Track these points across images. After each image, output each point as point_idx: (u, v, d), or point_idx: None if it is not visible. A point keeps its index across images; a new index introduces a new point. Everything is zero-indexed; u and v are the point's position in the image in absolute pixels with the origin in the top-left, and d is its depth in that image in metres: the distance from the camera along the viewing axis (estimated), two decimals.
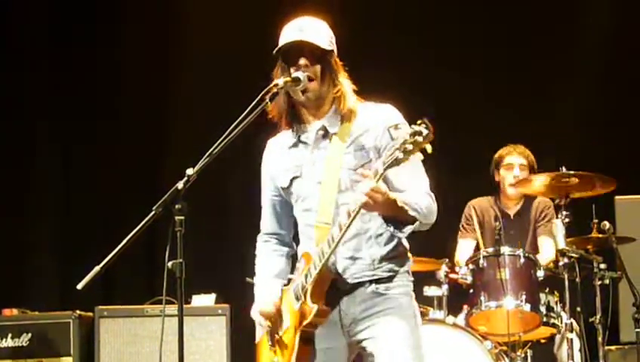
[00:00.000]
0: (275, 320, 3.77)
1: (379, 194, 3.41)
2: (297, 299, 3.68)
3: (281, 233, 3.99)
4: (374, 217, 3.63)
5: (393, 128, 3.64)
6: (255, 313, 3.85)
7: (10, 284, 7.48)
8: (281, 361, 3.73)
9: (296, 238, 3.98)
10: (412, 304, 3.77)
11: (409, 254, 3.81)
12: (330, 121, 3.76)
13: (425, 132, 3.29)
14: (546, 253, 6.33)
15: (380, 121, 3.72)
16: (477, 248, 6.45)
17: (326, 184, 3.71)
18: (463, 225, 6.70)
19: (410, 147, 3.30)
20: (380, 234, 3.72)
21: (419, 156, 3.35)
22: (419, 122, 3.31)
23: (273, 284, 3.88)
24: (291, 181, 3.81)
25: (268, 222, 4.00)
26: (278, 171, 3.87)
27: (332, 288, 3.68)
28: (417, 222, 3.58)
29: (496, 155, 6.67)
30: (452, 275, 6.14)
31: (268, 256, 3.98)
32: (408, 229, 3.59)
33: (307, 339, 3.67)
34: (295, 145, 3.83)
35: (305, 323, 3.64)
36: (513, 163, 6.60)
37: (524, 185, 6.27)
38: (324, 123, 3.76)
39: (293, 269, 3.92)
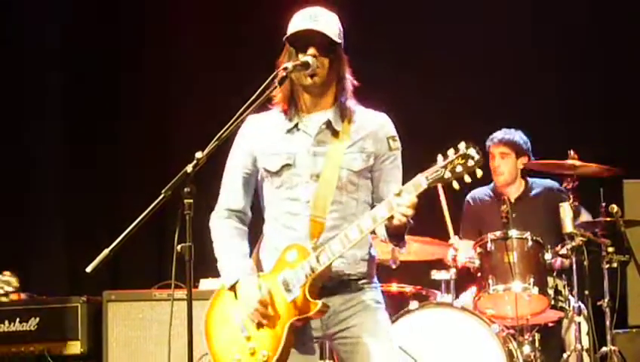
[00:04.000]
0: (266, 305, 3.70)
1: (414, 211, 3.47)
2: (288, 290, 3.66)
3: (244, 211, 3.91)
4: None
5: (392, 140, 3.80)
6: (247, 294, 3.71)
7: (18, 268, 7.48)
8: (260, 348, 3.69)
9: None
10: (382, 299, 3.85)
11: (376, 258, 3.89)
12: (335, 118, 3.76)
13: (476, 157, 3.36)
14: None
15: (381, 129, 3.80)
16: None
17: (325, 180, 3.72)
18: (463, 224, 6.69)
19: (459, 169, 3.37)
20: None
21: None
22: (468, 145, 3.37)
23: (248, 265, 3.82)
24: (282, 167, 3.78)
25: (234, 197, 3.89)
26: (265, 153, 3.81)
27: None
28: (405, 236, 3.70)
29: (486, 143, 6.64)
30: (460, 259, 6.13)
31: (231, 233, 3.89)
32: (405, 243, 3.74)
33: (294, 331, 3.68)
34: (291, 131, 3.80)
35: (304, 316, 3.65)
36: (493, 152, 6.58)
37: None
38: (329, 117, 3.76)
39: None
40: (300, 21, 3.73)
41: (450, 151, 3.40)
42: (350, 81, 3.79)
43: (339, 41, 3.75)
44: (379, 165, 3.77)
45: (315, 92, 3.77)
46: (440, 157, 3.41)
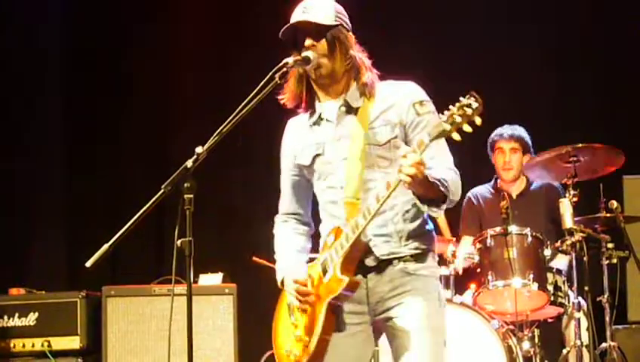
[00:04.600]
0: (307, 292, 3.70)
1: (423, 167, 3.38)
2: (326, 272, 3.63)
3: (300, 213, 3.96)
4: (401, 193, 3.57)
5: (418, 105, 3.64)
6: (288, 281, 3.73)
7: (17, 263, 7.50)
8: (303, 334, 3.68)
9: (315, 218, 3.95)
10: (438, 285, 3.76)
11: (434, 233, 3.79)
12: (352, 97, 3.73)
13: (475, 104, 3.28)
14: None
15: (404, 97, 3.70)
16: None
17: (352, 160, 3.69)
18: (463, 220, 6.68)
19: (458, 119, 3.29)
20: (407, 211, 3.69)
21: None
22: (467, 95, 3.31)
23: (298, 257, 3.85)
24: (313, 158, 3.78)
25: (287, 202, 3.97)
26: (300, 150, 3.84)
27: (360, 265, 3.65)
28: (448, 200, 3.56)
29: (490, 138, 6.63)
30: (458, 265, 6.15)
31: (288, 234, 3.94)
32: (442, 207, 3.57)
33: (333, 311, 3.64)
34: (316, 123, 3.80)
35: (335, 295, 3.59)
36: (503, 147, 6.58)
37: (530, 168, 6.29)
38: (346, 98, 3.74)
39: (314, 249, 3.90)
40: (293, 17, 3.74)
41: (452, 106, 3.33)
42: (361, 57, 3.75)
43: (332, 23, 3.71)
44: (411, 134, 3.67)
45: (327, 82, 3.76)
46: (445, 113, 3.35)
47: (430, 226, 3.77)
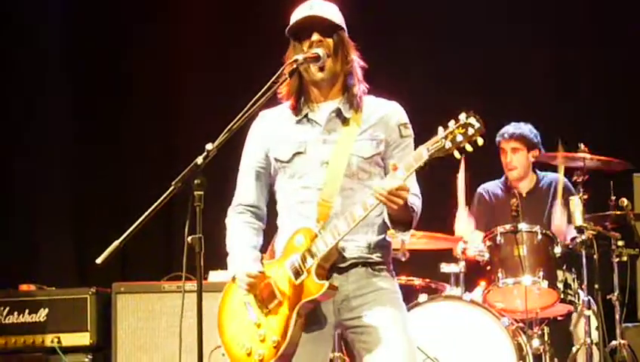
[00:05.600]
0: (262, 289, 3.71)
1: (406, 192, 3.46)
2: (297, 273, 3.64)
3: (258, 205, 3.92)
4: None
5: (403, 127, 3.77)
6: (242, 275, 3.72)
7: (27, 260, 7.52)
8: (270, 334, 3.68)
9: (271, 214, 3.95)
10: (398, 288, 3.82)
11: (391, 246, 3.88)
12: (344, 106, 3.77)
13: (477, 125, 3.33)
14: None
15: (392, 117, 3.79)
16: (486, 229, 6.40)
17: (333, 166, 3.72)
18: (473, 215, 6.67)
19: (460, 138, 3.34)
20: (375, 224, 3.75)
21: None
22: (468, 114, 3.35)
23: (253, 253, 3.83)
24: (293, 156, 3.79)
25: (248, 192, 3.92)
26: (277, 143, 3.83)
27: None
28: (412, 227, 3.69)
29: (496, 138, 6.61)
30: (469, 252, 6.13)
31: (244, 227, 3.90)
32: (410, 231, 3.72)
33: (304, 314, 3.66)
34: (301, 121, 3.81)
35: (310, 298, 3.61)
36: (505, 148, 6.58)
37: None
38: (338, 105, 3.77)
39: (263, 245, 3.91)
40: (299, 13, 3.76)
41: (451, 123, 3.37)
42: (358, 63, 3.79)
43: (340, 24, 3.77)
44: (390, 152, 3.76)
45: (324, 85, 3.78)
46: (440, 128, 3.39)
47: (390, 239, 3.84)
